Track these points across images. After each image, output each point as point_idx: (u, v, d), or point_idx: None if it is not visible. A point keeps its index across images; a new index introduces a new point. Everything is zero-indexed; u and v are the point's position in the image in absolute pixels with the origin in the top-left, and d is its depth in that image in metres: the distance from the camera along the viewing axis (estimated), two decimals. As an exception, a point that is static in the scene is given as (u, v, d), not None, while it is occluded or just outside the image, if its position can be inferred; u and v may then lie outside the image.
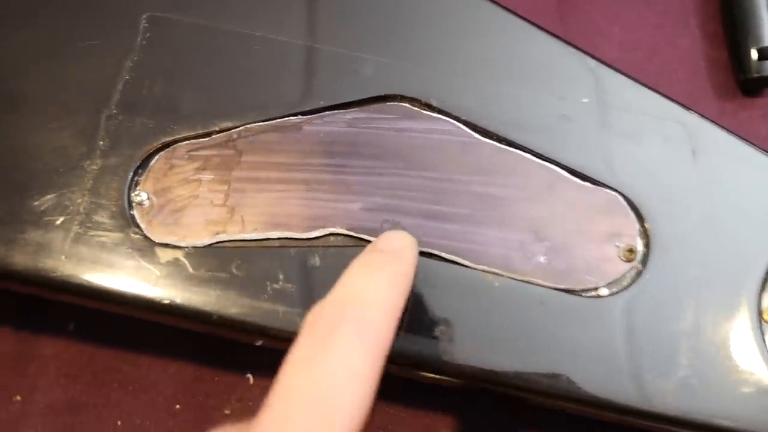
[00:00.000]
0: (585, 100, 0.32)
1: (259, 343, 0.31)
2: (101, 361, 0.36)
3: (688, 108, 0.32)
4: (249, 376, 0.36)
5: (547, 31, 0.33)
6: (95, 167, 0.30)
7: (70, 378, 0.35)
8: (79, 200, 0.30)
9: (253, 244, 0.30)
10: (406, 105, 0.32)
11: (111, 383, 0.35)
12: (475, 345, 0.29)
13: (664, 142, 0.31)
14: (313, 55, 0.32)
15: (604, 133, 0.31)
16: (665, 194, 0.31)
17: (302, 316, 0.28)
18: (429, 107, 0.32)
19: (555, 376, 0.28)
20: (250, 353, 0.33)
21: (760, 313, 0.29)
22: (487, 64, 0.32)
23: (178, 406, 0.35)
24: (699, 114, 0.32)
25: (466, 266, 0.30)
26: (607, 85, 0.32)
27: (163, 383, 0.35)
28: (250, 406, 0.35)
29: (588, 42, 0.42)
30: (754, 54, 0.39)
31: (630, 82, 0.32)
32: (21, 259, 0.29)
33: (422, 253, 0.30)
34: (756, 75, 0.38)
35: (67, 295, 0.30)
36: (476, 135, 0.31)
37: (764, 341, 0.29)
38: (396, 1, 0.33)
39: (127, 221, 0.30)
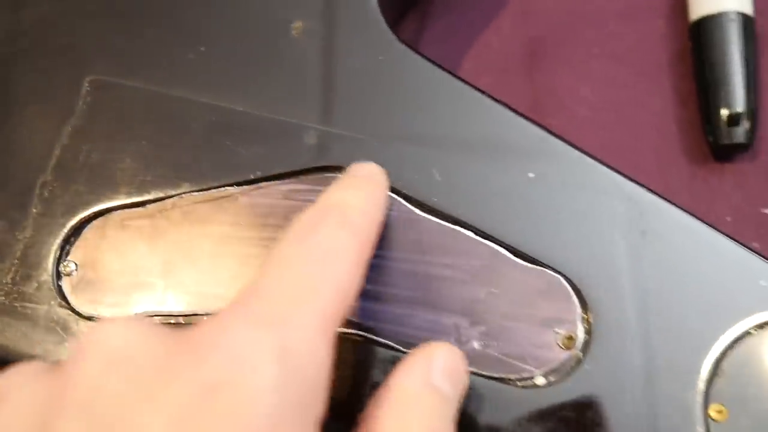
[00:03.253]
0: (531, 175, 0.30)
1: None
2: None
3: (640, 184, 0.31)
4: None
5: (496, 100, 0.32)
6: (26, 235, 0.30)
7: None
8: (8, 269, 0.29)
9: (182, 318, 0.29)
10: (346, 177, 0.31)
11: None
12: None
13: (614, 222, 0.30)
14: (254, 123, 0.32)
15: (550, 210, 0.30)
16: (611, 277, 0.29)
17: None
18: (369, 179, 0.31)
19: (484, 471, 0.27)
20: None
21: (706, 407, 0.28)
22: (430, 137, 0.31)
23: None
24: (652, 191, 0.30)
25: (399, 350, 0.29)
26: (555, 160, 0.31)
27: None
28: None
29: (556, 101, 0.40)
30: (726, 119, 0.37)
31: (581, 155, 0.31)
32: (-55, 330, 0.29)
33: (356, 336, 0.29)
34: (727, 142, 0.37)
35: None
36: (417, 211, 0.30)
37: (710, 437, 0.28)
38: (337, 71, 0.32)
39: (53, 293, 0.29)
